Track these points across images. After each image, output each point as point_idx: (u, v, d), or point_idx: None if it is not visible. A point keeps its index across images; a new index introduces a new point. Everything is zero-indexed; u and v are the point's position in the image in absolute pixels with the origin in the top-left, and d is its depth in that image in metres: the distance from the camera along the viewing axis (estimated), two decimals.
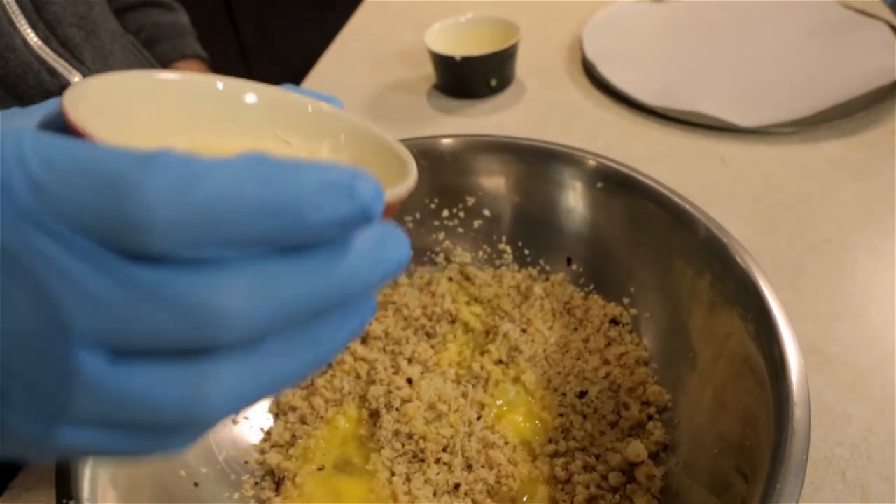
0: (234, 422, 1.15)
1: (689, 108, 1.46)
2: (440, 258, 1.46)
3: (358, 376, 1.22)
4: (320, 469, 1.08)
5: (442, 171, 1.41)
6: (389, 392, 1.15)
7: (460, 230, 1.45)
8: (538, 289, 1.30)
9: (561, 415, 1.11)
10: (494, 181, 1.40)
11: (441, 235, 1.45)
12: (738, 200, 1.53)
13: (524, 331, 1.23)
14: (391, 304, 1.34)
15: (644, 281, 1.21)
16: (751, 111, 1.54)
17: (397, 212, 0.48)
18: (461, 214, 1.43)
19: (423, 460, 1.06)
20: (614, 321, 1.22)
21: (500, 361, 1.21)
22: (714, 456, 0.90)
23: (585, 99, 1.78)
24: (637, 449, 0.99)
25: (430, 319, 1.30)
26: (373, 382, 1.20)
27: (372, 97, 1.92)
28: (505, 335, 1.22)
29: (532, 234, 1.39)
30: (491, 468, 1.04)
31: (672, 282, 1.15)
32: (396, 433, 1.10)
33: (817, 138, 1.54)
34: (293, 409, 1.20)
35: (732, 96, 1.62)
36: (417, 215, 1.44)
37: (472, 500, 1.01)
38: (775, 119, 1.41)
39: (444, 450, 1.06)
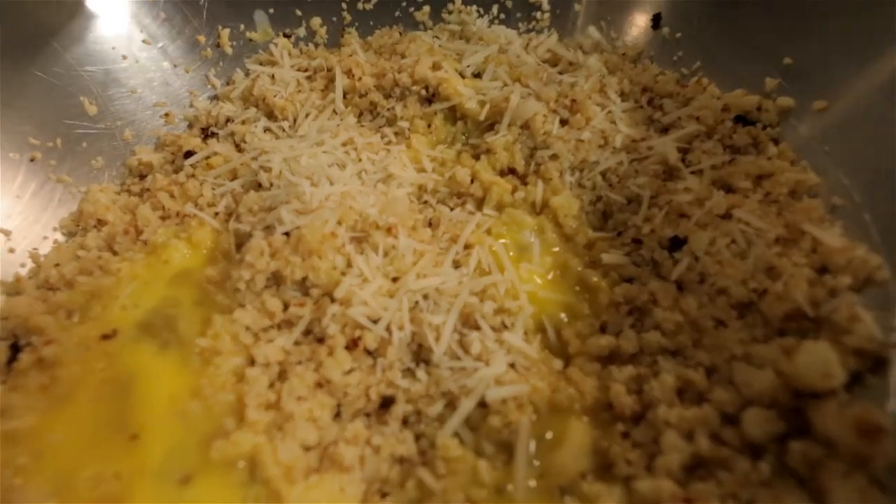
0: None
1: None
2: (422, 14, 0.83)
3: (234, 177, 0.63)
4: (107, 337, 0.50)
5: None
6: (284, 202, 0.56)
7: None
8: (594, 62, 0.68)
9: (628, 279, 0.53)
10: None
11: None
12: None
13: (564, 122, 0.62)
14: (320, 70, 0.73)
15: (819, 42, 0.60)
16: None
17: None
18: None
19: (320, 340, 0.49)
20: (743, 119, 0.62)
21: (510, 171, 0.61)
22: None
23: None
24: (820, 359, 0.41)
25: (387, 96, 0.69)
26: (258, 186, 0.61)
27: None
28: (526, 126, 0.62)
29: None
30: (468, 374, 0.46)
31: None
32: (276, 279, 0.52)
33: None
34: (101, 224, 0.61)
35: None
36: None
37: (417, 437, 0.45)
38: None
39: (374, 322, 0.48)
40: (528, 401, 0.45)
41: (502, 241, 0.55)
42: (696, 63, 0.69)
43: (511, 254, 0.54)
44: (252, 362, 0.48)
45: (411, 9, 0.83)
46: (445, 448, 0.44)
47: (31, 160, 0.64)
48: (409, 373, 0.48)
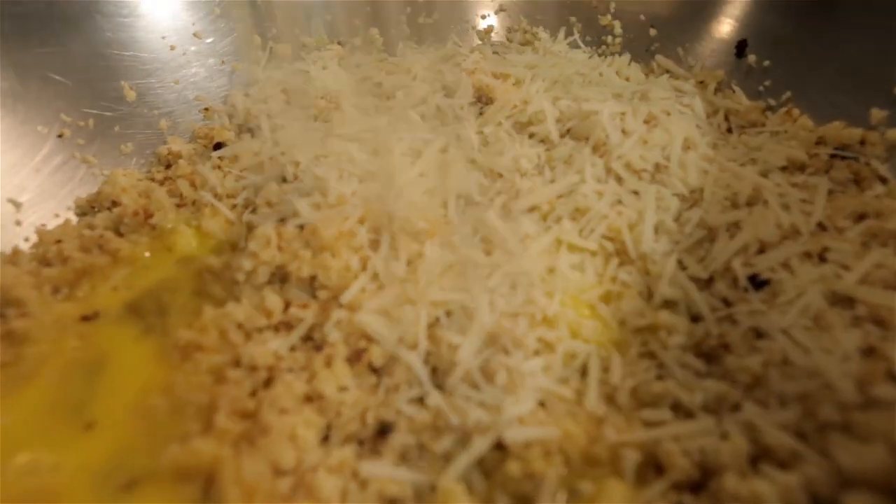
0: None
1: None
2: (485, 32, 0.79)
3: (262, 171, 0.58)
4: (87, 318, 0.45)
5: None
6: (306, 195, 0.50)
7: None
8: (659, 91, 0.61)
9: (695, 318, 0.44)
10: None
11: None
12: None
13: (632, 140, 0.55)
14: (371, 75, 0.69)
15: None
16: None
17: None
18: None
19: (319, 349, 0.41)
20: (842, 152, 0.53)
21: (559, 198, 0.53)
22: None
23: None
24: None
25: (438, 104, 0.63)
26: (283, 180, 0.55)
27: None
28: (585, 138, 0.55)
29: None
30: (487, 407, 0.38)
31: None
32: (280, 274, 0.45)
33: None
34: (115, 205, 0.57)
35: None
36: None
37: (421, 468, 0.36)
38: None
39: (384, 335, 0.41)
40: (558, 449, 0.36)
41: (563, 263, 0.47)
42: (786, 94, 0.61)
43: (559, 274, 0.46)
44: (237, 363, 0.41)
45: (473, 25, 0.79)
46: (447, 493, 0.35)
47: (59, 136, 0.61)
48: (416, 399, 0.40)
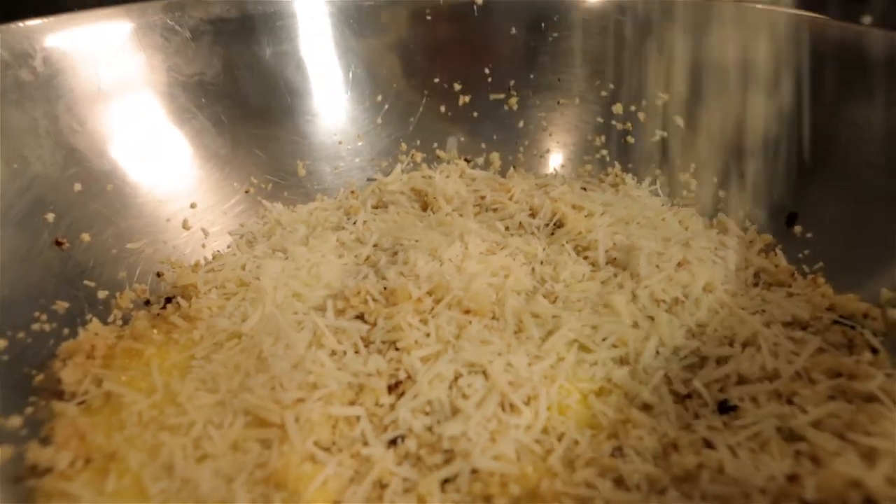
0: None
1: None
2: (584, 170, 0.95)
3: (376, 244, 0.76)
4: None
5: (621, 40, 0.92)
6: (396, 266, 0.67)
7: (630, 139, 0.93)
8: (703, 241, 0.73)
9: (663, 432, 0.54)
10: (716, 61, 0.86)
11: (596, 136, 0.94)
12: None
13: (657, 269, 0.66)
14: (477, 191, 0.87)
15: None
16: None
17: None
18: (639, 115, 0.91)
19: (369, 374, 0.56)
20: (844, 322, 0.60)
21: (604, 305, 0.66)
22: None
23: None
24: None
25: (520, 223, 0.79)
26: (385, 253, 0.73)
27: None
28: (624, 267, 0.68)
29: (739, 163, 0.82)
30: (474, 443, 0.50)
31: None
32: (360, 318, 0.61)
33: None
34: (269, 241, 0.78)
35: None
36: (576, 100, 0.96)
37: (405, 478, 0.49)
38: None
39: (429, 383, 0.55)
40: (513, 482, 0.48)
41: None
42: (819, 263, 0.69)
43: (565, 364, 0.58)
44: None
45: (576, 164, 0.95)
46: (426, 491, 0.48)
47: (246, 192, 0.85)
48: (427, 426, 0.53)
